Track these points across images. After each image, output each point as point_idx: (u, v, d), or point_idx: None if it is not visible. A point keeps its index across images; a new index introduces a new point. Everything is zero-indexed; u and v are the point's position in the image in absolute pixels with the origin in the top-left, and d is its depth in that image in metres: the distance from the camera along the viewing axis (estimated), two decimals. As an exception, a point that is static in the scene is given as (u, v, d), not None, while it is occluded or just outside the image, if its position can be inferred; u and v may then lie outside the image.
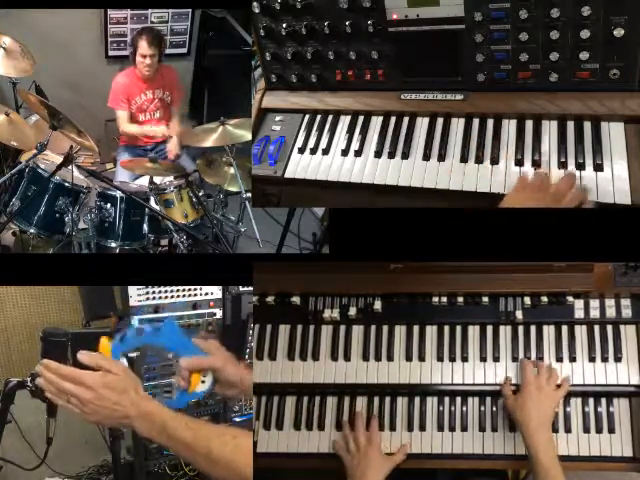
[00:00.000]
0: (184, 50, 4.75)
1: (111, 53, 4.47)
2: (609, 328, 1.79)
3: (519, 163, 1.71)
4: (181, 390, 1.33)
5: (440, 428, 1.75)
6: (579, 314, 1.79)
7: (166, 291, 2.46)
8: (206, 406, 2.54)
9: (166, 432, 1.17)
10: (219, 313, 2.60)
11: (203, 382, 1.32)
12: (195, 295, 2.54)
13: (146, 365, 2.38)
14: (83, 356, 1.21)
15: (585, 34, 1.62)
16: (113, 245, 3.11)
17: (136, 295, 2.40)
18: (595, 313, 1.79)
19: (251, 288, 1.98)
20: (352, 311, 1.85)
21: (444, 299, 1.83)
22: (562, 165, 1.67)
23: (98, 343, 1.28)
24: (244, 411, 2.66)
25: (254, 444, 1.77)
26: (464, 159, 1.77)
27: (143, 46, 3.57)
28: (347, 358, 1.83)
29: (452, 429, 1.75)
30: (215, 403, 2.57)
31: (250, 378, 1.40)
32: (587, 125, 1.72)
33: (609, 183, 1.60)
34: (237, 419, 2.64)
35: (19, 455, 2.45)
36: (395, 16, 1.79)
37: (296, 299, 1.86)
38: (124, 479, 2.46)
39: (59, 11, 3.93)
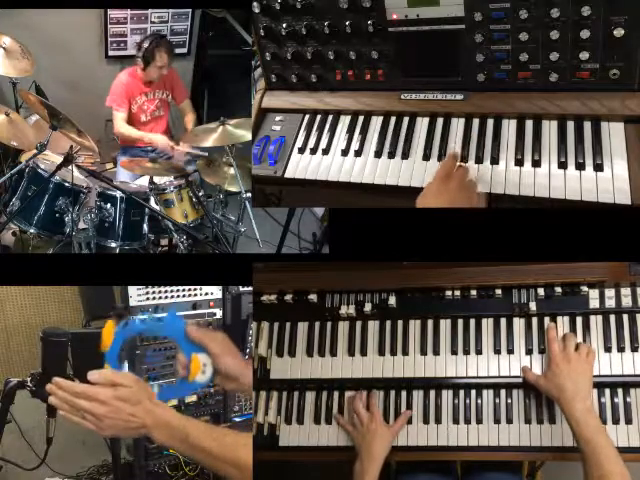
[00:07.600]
0: (184, 50, 4.74)
1: (111, 53, 4.46)
2: (625, 317, 1.75)
3: (519, 163, 1.71)
4: (181, 378, 1.33)
5: (455, 421, 1.75)
6: (594, 304, 1.77)
7: (166, 291, 2.46)
8: (206, 406, 2.54)
9: (188, 441, 1.17)
10: (219, 313, 2.60)
11: (203, 373, 1.32)
12: (195, 295, 2.54)
13: (146, 365, 2.39)
14: (93, 375, 1.20)
15: (585, 34, 1.62)
16: (113, 245, 3.10)
17: (136, 295, 2.39)
18: (611, 303, 1.76)
19: (251, 288, 1.98)
20: (367, 307, 1.86)
21: (457, 293, 1.83)
22: (562, 165, 1.67)
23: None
24: (244, 411, 2.66)
25: (276, 438, 1.82)
26: (464, 159, 1.77)
27: (163, 57, 3.59)
28: (364, 353, 1.84)
29: (467, 422, 1.74)
30: (215, 403, 2.57)
31: (249, 374, 1.39)
32: (587, 125, 1.72)
33: (609, 183, 1.60)
34: (237, 419, 2.64)
35: (19, 455, 2.46)
36: (395, 16, 1.79)
37: (313, 297, 1.89)
38: (124, 479, 2.46)
39: (59, 11, 3.92)
